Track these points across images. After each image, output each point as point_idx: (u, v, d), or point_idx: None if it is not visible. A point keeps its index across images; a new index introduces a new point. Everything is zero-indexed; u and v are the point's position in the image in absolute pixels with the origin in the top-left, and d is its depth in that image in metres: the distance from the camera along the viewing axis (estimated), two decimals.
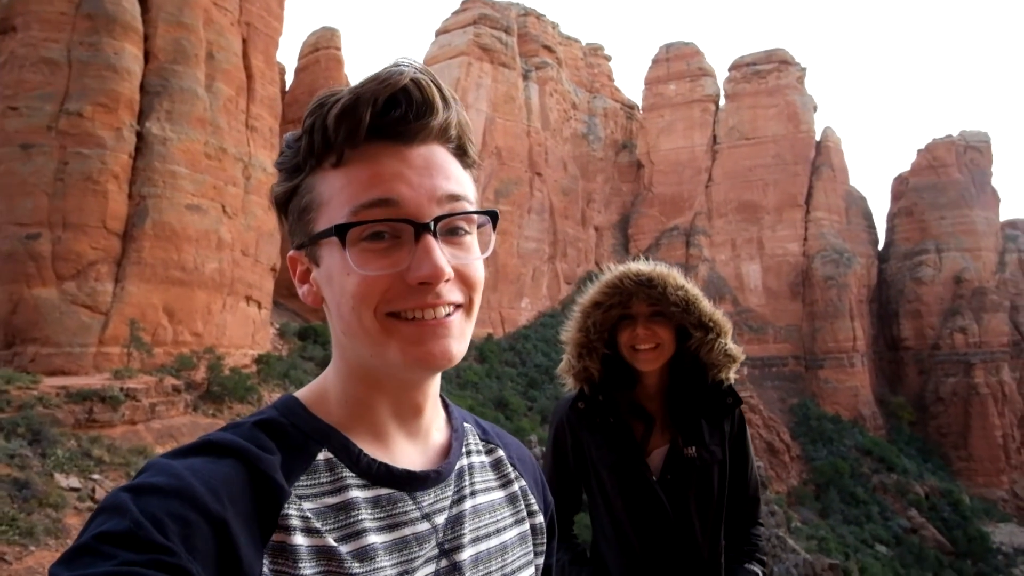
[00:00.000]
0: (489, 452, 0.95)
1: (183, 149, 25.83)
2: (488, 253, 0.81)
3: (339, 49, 44.38)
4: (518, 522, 0.92)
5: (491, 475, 0.92)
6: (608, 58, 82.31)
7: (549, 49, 69.29)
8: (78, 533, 0.64)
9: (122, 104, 24.51)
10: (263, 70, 32.06)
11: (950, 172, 67.89)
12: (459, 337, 0.76)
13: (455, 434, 0.90)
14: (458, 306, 0.77)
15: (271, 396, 26.21)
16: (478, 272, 0.79)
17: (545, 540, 0.97)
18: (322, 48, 44.03)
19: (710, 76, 73.13)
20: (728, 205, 68.29)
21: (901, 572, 37.13)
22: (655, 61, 75.38)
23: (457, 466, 0.87)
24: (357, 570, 0.72)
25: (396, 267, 0.73)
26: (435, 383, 0.85)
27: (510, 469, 0.96)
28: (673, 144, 71.29)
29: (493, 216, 0.81)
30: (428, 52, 61.07)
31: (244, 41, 30.90)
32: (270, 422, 0.77)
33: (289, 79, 45.59)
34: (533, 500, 0.96)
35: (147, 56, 26.19)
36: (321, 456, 0.76)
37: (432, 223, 0.73)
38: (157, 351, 23.39)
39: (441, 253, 0.73)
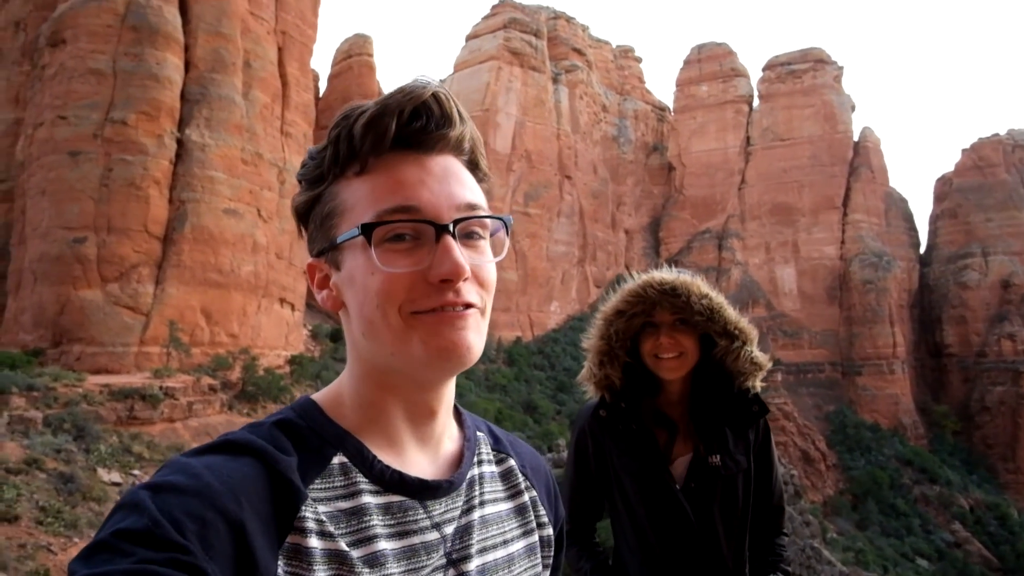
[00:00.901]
0: (500, 462, 0.95)
1: (221, 155, 26.60)
2: (501, 257, 0.84)
3: (371, 56, 45.11)
4: (526, 534, 0.93)
5: (500, 485, 0.93)
6: (639, 60, 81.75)
7: (579, 52, 69.17)
8: (98, 530, 0.65)
9: (163, 112, 25.38)
10: (298, 77, 32.79)
11: (997, 172, 65.42)
12: (477, 331, 0.79)
13: (467, 443, 0.92)
14: (474, 305, 0.80)
15: None
16: (492, 274, 0.82)
17: (553, 553, 0.97)
18: (355, 55, 44.81)
19: (743, 76, 72.00)
20: (762, 208, 67.03)
21: None
22: (687, 62, 74.57)
23: (468, 476, 0.88)
24: (367, 575, 0.73)
25: (418, 265, 0.76)
26: (450, 390, 0.87)
27: (520, 479, 0.96)
28: (705, 146, 70.35)
29: (507, 221, 0.85)
30: (459, 57, 61.58)
31: (280, 49, 31.68)
32: (288, 423, 0.79)
33: (323, 86, 46.53)
34: (543, 511, 0.97)
35: (187, 65, 27.08)
36: (336, 460, 0.78)
37: (451, 225, 0.77)
38: (195, 351, 24.09)
39: (460, 252, 0.77)
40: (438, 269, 0.75)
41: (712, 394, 2.07)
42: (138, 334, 23.24)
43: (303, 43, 33.56)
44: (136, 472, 16.23)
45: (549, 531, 0.96)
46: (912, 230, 69.54)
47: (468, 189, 0.81)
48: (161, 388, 19.69)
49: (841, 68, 68.93)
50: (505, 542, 0.89)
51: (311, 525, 0.72)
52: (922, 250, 69.24)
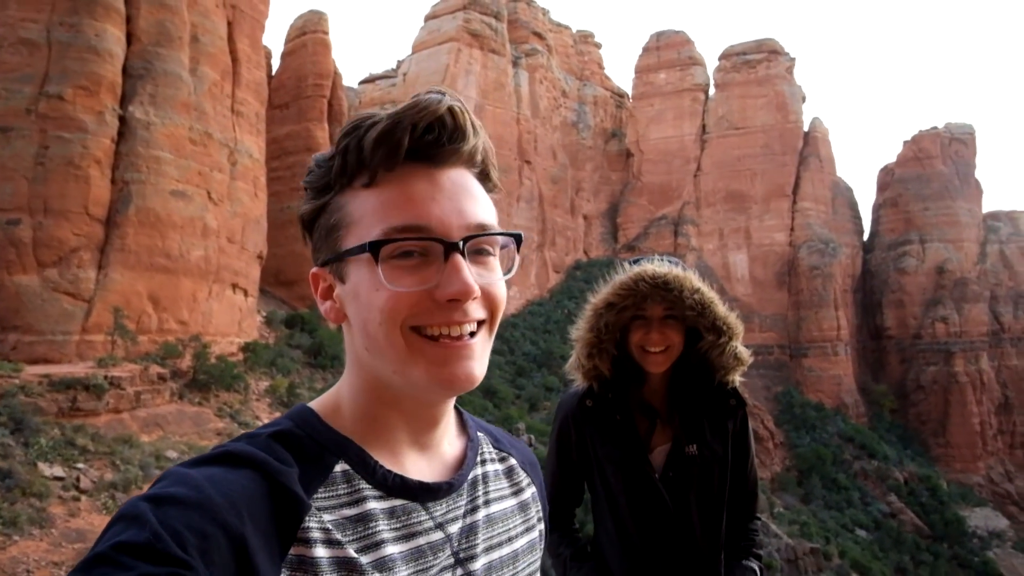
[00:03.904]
0: (503, 460, 0.96)
1: (167, 134, 25.43)
2: (511, 274, 0.83)
3: (327, 33, 43.73)
4: (528, 530, 0.94)
5: (504, 483, 0.94)
6: (599, 45, 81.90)
7: (539, 36, 68.78)
8: (95, 540, 0.64)
9: (104, 87, 24.04)
10: (249, 54, 31.55)
11: (935, 164, 68.62)
12: (480, 359, 0.79)
13: (470, 444, 0.92)
14: (481, 323, 0.79)
15: (258, 384, 26.07)
16: (502, 291, 0.81)
17: (543, 545, 1.00)
18: (309, 32, 43.35)
19: (700, 65, 73.06)
20: (716, 195, 68.56)
21: (880, 555, 37.97)
22: (645, 49, 75.13)
23: (471, 476, 0.89)
24: None
25: (425, 284, 0.75)
26: (450, 404, 0.88)
27: (522, 476, 0.98)
28: (662, 133, 71.30)
29: (517, 238, 0.84)
30: (417, 37, 60.36)
31: (229, 24, 30.37)
32: (286, 434, 0.78)
33: (276, 64, 44.92)
34: (540, 506, 0.99)
35: (129, 38, 25.67)
36: (338, 468, 0.77)
37: (461, 243, 0.76)
38: (142, 339, 23.17)
39: (469, 271, 0.75)
40: (446, 289, 0.74)
41: (692, 385, 2.11)
42: (79, 321, 22.18)
43: (254, 18, 32.26)
44: (80, 465, 15.58)
45: (543, 525, 0.99)
46: (856, 218, 72.38)
47: (479, 205, 0.80)
48: (106, 378, 18.89)
49: (793, 59, 70.71)
50: (510, 539, 0.90)
51: (316, 535, 0.71)
52: (865, 237, 72.22)
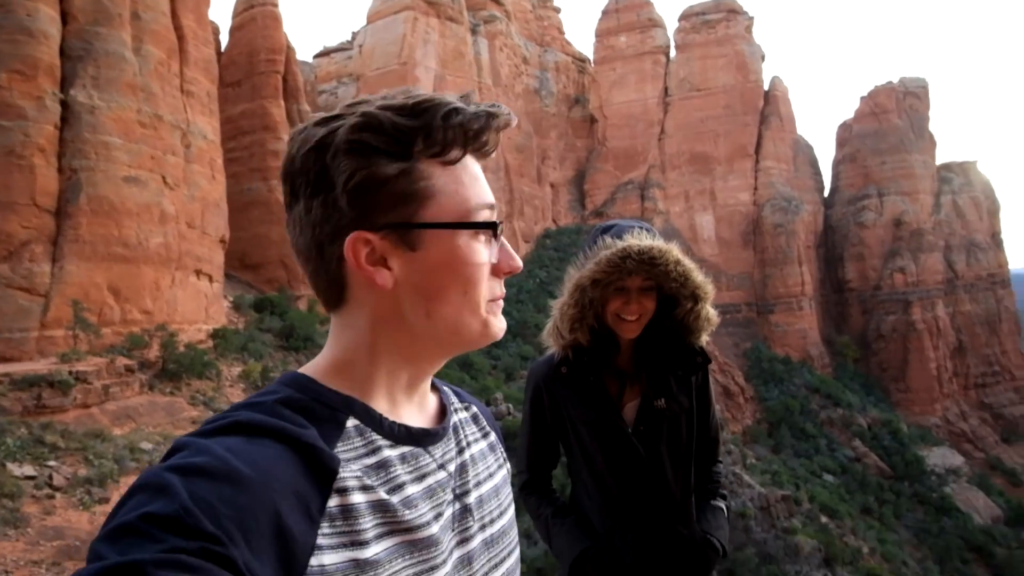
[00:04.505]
0: (467, 409, 1.06)
1: (114, 118, 24.36)
2: None
3: (276, 6, 42.06)
4: (500, 467, 1.04)
5: (474, 428, 1.04)
6: (558, 10, 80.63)
7: (497, 2, 67.35)
8: (115, 507, 0.63)
9: (41, 70, 22.83)
10: (195, 30, 30.22)
11: (891, 118, 70.08)
12: None
13: (443, 396, 1.01)
14: None
15: (230, 370, 25.71)
16: None
17: (510, 482, 1.11)
18: (258, 5, 41.65)
19: (660, 27, 72.64)
20: (681, 157, 69.00)
21: (846, 497, 39.87)
22: (605, 12, 74.28)
23: (452, 421, 0.98)
24: (408, 516, 0.79)
25: (492, 259, 0.87)
26: None
27: (485, 423, 1.08)
28: (625, 97, 71.08)
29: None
30: (371, 7, 58.53)
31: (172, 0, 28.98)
32: (290, 400, 0.79)
33: (224, 40, 43.15)
34: (502, 449, 1.10)
35: (65, 17, 24.32)
36: (350, 423, 0.81)
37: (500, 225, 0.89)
38: (105, 331, 22.55)
39: None
40: (511, 263, 0.89)
41: (659, 345, 2.22)
42: (37, 317, 21.45)
43: None
44: (52, 463, 15.27)
45: (508, 465, 1.10)
46: (817, 175, 73.80)
47: None
48: (71, 373, 18.40)
49: (752, 18, 70.79)
50: (490, 475, 0.99)
51: (351, 483, 0.75)
52: (826, 193, 73.78)
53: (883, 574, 28.12)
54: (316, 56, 63.32)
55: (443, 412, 0.98)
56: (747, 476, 32.27)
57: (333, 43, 62.81)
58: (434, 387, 1.01)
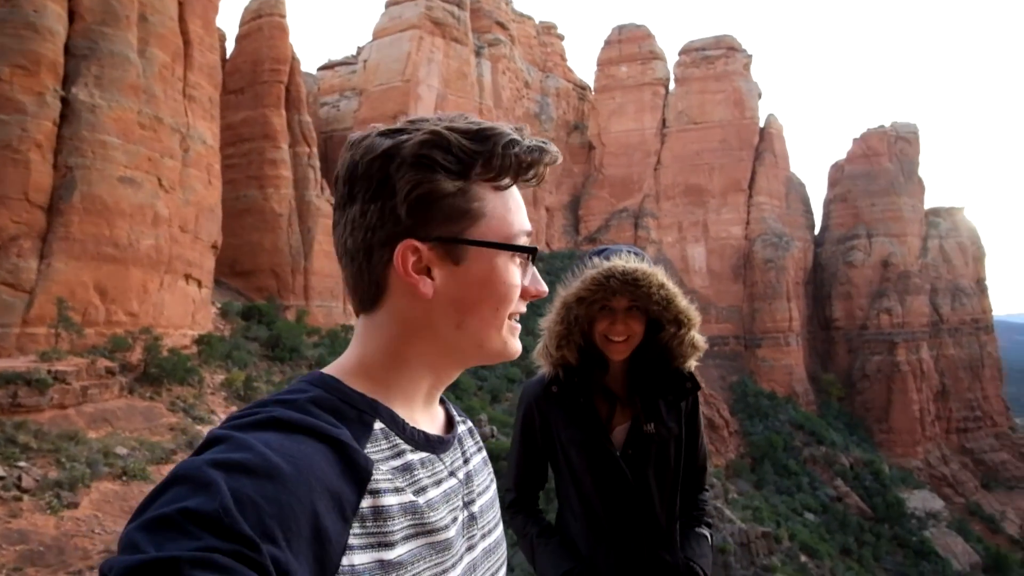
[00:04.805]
0: (464, 423, 1.08)
1: (114, 118, 24.36)
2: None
3: (283, 16, 42.49)
4: (492, 481, 1.06)
5: (471, 441, 1.06)
6: (561, 37, 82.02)
7: (502, 26, 68.42)
8: (150, 495, 0.62)
9: (44, 67, 22.85)
10: (202, 36, 30.44)
11: (881, 161, 71.40)
12: None
13: (447, 407, 1.04)
14: None
15: (213, 378, 25.36)
16: None
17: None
18: (265, 15, 42.05)
19: (660, 60, 73.98)
20: (676, 188, 69.77)
21: (826, 537, 39.66)
22: (607, 42, 75.60)
23: (458, 432, 1.01)
24: (433, 518, 0.81)
25: (523, 282, 0.92)
26: None
27: (478, 438, 1.10)
28: (624, 126, 72.02)
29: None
30: (378, 24, 59.25)
31: (180, 4, 29.21)
32: (320, 400, 0.81)
33: (230, 47, 43.45)
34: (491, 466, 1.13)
35: (72, 16, 24.44)
36: (377, 426, 0.83)
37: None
38: (88, 332, 22.25)
39: None
40: (540, 288, 0.94)
41: (650, 369, 2.23)
42: (20, 313, 21.15)
43: None
44: (23, 464, 14.93)
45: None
46: (808, 212, 74.79)
47: None
48: (49, 372, 18.09)
49: (750, 56, 72.30)
50: (487, 487, 1.02)
51: (384, 485, 0.76)
52: (816, 231, 74.73)
53: None
54: (320, 68, 63.82)
55: (451, 422, 1.01)
56: (728, 511, 32.09)
57: (338, 56, 63.40)
58: (441, 399, 1.04)
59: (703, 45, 71.89)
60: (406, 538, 0.76)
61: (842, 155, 75.27)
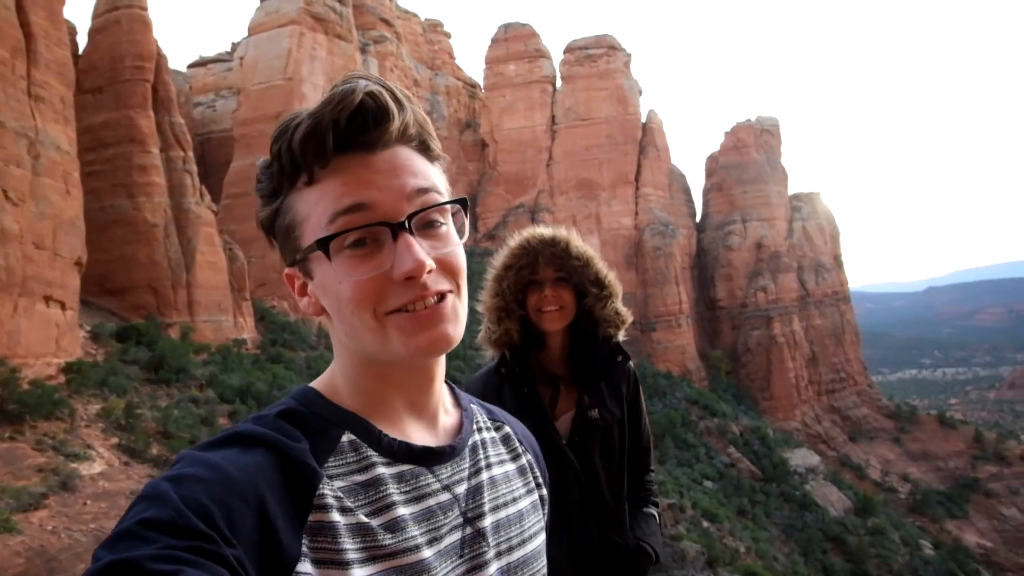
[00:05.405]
0: (497, 429, 1.02)
1: None
2: (465, 238, 0.87)
3: (144, 9, 38.90)
4: (529, 492, 1.00)
5: (502, 449, 1.00)
6: (448, 35, 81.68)
7: (387, 23, 66.99)
8: (119, 520, 0.66)
9: None
10: (47, 29, 27.20)
11: (750, 152, 77.69)
12: (454, 320, 0.82)
13: (465, 413, 0.97)
14: (447, 292, 0.82)
15: (86, 409, 22.85)
16: (460, 259, 0.85)
17: (546, 509, 1.06)
18: (123, 7, 38.28)
19: (547, 58, 75.77)
20: (568, 183, 71.91)
21: (724, 501, 42.76)
22: (494, 41, 76.28)
23: (470, 441, 0.94)
24: (389, 541, 0.76)
25: (381, 268, 0.79)
26: (439, 370, 0.91)
27: (518, 444, 1.04)
28: (515, 124, 73.10)
29: (463, 203, 0.88)
30: (253, 19, 55.93)
31: None
32: (291, 411, 0.82)
33: (82, 42, 39.17)
34: (539, 473, 1.05)
35: None
36: (345, 438, 0.81)
37: (407, 221, 0.79)
38: None
39: (420, 247, 0.79)
40: (400, 268, 0.78)
41: (587, 351, 2.30)
42: None
43: None
44: None
45: (544, 491, 1.05)
46: (690, 202, 79.86)
47: (420, 176, 0.83)
48: None
49: (630, 55, 75.86)
50: (514, 499, 0.95)
51: (331, 501, 0.75)
52: (698, 219, 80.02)
53: (758, 571, 30.33)
54: (191, 66, 59.31)
55: (460, 431, 0.95)
56: None
57: (210, 53, 59.18)
58: (460, 404, 0.99)
59: (586, 44, 74.46)
60: (363, 561, 0.74)
61: (716, 147, 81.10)
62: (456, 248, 0.84)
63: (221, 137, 56.46)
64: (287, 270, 0.86)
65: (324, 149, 0.79)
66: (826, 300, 75.40)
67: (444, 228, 0.84)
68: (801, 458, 55.09)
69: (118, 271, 33.58)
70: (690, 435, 51.73)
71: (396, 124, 0.82)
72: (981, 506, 55.32)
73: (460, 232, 0.86)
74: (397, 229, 0.78)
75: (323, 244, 0.78)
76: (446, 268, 0.82)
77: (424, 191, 0.82)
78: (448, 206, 0.84)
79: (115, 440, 21.09)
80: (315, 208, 0.80)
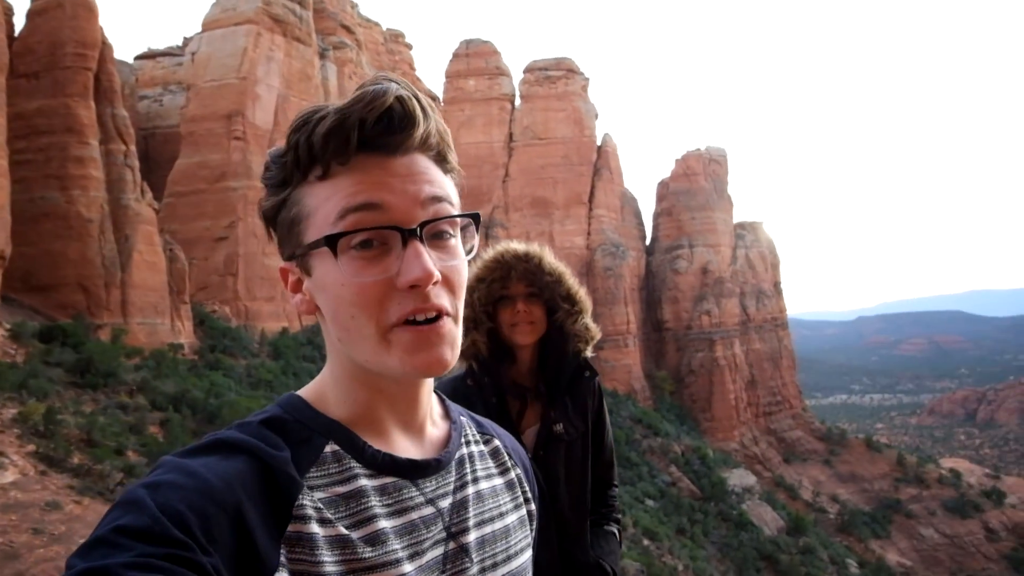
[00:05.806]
0: (486, 443, 1.00)
1: None
2: (473, 254, 0.85)
3: None
4: (517, 507, 0.98)
5: (491, 463, 0.98)
6: (409, 46, 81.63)
7: (348, 29, 66.37)
8: (95, 528, 0.65)
9: None
10: None
11: (699, 180, 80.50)
12: (452, 343, 0.80)
13: (454, 426, 0.95)
14: (446, 314, 0.79)
15: (2, 412, 21.25)
16: (463, 275, 0.82)
17: (535, 524, 1.02)
18: None
19: (506, 76, 76.69)
20: (523, 200, 72.59)
21: (664, 520, 43.44)
22: (456, 55, 76.71)
23: (457, 455, 0.92)
24: (369, 554, 0.75)
25: (386, 273, 0.76)
26: (428, 382, 0.90)
27: (507, 458, 1.02)
28: (473, 138, 73.45)
29: (475, 217, 0.86)
30: (208, 15, 54.37)
31: None
32: (275, 419, 0.80)
33: (19, 24, 37.08)
34: (527, 487, 1.03)
35: None
36: (328, 449, 0.80)
37: (418, 228, 0.77)
38: None
39: (428, 256, 0.76)
40: (407, 276, 0.75)
41: (555, 367, 2.30)
42: None
43: None
44: None
45: (533, 506, 1.02)
46: (640, 225, 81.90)
47: (435, 184, 0.81)
48: None
49: (588, 79, 77.67)
50: (501, 515, 0.93)
51: (310, 512, 0.74)
52: (647, 242, 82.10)
53: None
54: (138, 57, 57.06)
55: (447, 444, 0.93)
56: None
57: (159, 46, 57.12)
58: (450, 416, 0.97)
59: (545, 65, 75.80)
60: (342, 574, 0.73)
61: (667, 173, 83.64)
62: (461, 263, 0.82)
63: (167, 133, 54.33)
64: (283, 264, 0.84)
65: (347, 146, 0.77)
66: (766, 325, 78.36)
67: (453, 241, 0.82)
68: (739, 478, 56.66)
69: (45, 267, 31.61)
70: (633, 454, 52.43)
71: (420, 131, 0.81)
72: (902, 526, 58.22)
73: (468, 248, 0.85)
74: (408, 235, 0.76)
75: (331, 241, 0.76)
76: (449, 283, 0.80)
77: (439, 199, 0.80)
78: (459, 220, 0.83)
79: (32, 447, 19.67)
80: (325, 203, 0.78)
